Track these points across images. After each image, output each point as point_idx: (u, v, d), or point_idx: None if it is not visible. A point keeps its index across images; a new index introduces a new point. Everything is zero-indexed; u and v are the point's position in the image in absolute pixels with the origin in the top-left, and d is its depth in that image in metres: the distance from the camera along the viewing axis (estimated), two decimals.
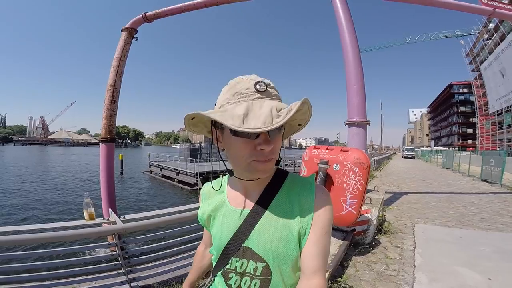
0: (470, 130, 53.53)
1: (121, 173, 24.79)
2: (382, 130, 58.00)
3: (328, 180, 3.32)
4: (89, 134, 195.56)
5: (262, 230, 0.71)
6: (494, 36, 30.66)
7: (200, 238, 2.90)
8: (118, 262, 2.43)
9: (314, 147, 3.81)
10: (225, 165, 0.80)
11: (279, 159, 0.75)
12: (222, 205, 0.81)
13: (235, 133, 0.63)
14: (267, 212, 0.72)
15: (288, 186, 0.76)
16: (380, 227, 4.64)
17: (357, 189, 3.14)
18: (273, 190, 0.75)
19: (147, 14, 8.54)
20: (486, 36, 32.93)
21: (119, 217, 2.43)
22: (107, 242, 2.45)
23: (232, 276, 0.75)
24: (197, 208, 2.71)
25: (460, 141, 56.83)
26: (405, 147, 55.23)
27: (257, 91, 0.64)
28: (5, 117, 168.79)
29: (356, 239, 3.95)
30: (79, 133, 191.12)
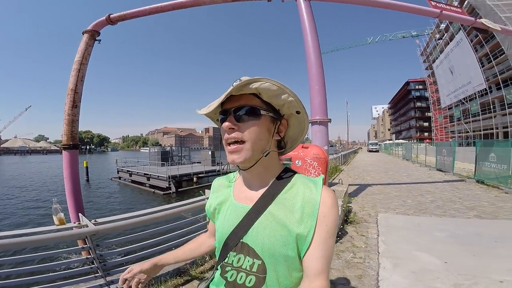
0: (426, 124, 57.74)
1: (87, 180, 23.51)
2: (348, 126, 60.72)
3: None
4: (48, 141, 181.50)
5: (261, 227, 0.71)
6: (444, 36, 33.30)
7: (175, 238, 2.97)
8: (94, 265, 2.40)
9: None
10: (220, 167, 0.89)
11: (270, 150, 0.74)
12: (227, 199, 0.83)
13: (218, 121, 0.75)
14: (267, 210, 0.72)
15: (294, 186, 0.75)
16: (346, 218, 4.95)
17: None
18: (277, 188, 0.75)
19: (111, 16, 8.22)
20: (438, 36, 35.73)
21: (90, 221, 2.39)
22: (80, 247, 2.41)
23: (229, 270, 0.75)
24: (170, 209, 2.76)
25: (418, 134, 60.84)
26: (370, 142, 58.31)
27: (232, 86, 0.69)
28: None
29: None
30: (37, 140, 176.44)
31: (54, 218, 2.37)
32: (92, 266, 2.41)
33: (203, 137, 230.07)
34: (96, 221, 2.45)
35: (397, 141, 49.78)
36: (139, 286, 0.88)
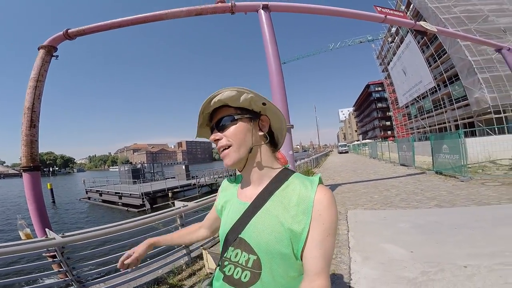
0: (388, 123, 60.37)
1: (53, 202, 22.16)
2: (318, 130, 62.75)
3: None
4: (4, 165, 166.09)
5: (257, 223, 0.75)
6: (395, 39, 35.32)
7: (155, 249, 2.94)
8: (67, 278, 2.34)
9: None
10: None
11: (253, 145, 0.80)
12: (232, 197, 0.89)
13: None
14: (264, 206, 0.76)
15: (290, 184, 0.77)
16: None
17: None
18: (274, 187, 0.78)
19: (68, 31, 7.87)
20: (390, 39, 37.99)
21: (57, 234, 2.33)
22: (50, 260, 2.33)
23: (227, 264, 0.79)
24: (141, 219, 2.77)
25: (382, 133, 63.47)
26: (339, 144, 60.51)
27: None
28: None
29: None
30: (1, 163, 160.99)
31: (21, 233, 2.31)
32: (66, 279, 2.35)
33: (176, 152, 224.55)
34: (63, 234, 2.40)
35: (364, 141, 51.93)
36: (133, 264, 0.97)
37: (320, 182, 0.76)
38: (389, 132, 59.98)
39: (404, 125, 39.74)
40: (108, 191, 20.51)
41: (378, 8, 9.93)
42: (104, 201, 20.63)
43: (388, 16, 9.82)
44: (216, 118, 0.81)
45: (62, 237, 2.33)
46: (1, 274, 2.27)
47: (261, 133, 0.82)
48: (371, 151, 25.37)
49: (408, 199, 6.49)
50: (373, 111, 68.93)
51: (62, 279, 2.38)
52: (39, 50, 7.69)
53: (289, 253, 0.70)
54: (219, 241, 0.88)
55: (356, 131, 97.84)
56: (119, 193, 19.15)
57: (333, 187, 9.19)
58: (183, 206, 3.45)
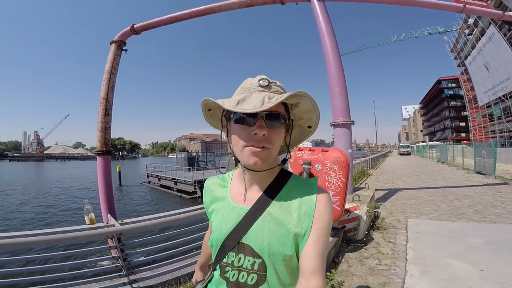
0: (462, 124, 53.94)
1: (120, 184, 24.75)
2: (376, 128, 58.50)
3: None
4: (85, 148, 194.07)
5: (260, 228, 0.73)
6: (474, 31, 31.13)
7: (196, 240, 3.03)
8: (119, 264, 2.52)
9: (298, 149, 3.98)
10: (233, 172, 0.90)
11: (287, 157, 0.83)
12: (224, 200, 0.84)
13: (236, 120, 0.72)
14: (267, 210, 0.75)
15: (291, 187, 0.78)
16: (372, 224, 4.74)
17: (338, 186, 3.31)
18: (275, 189, 0.77)
19: (134, 26, 8.63)
20: (467, 31, 33.49)
21: (117, 221, 2.52)
22: (107, 246, 2.54)
23: (229, 270, 0.77)
24: (192, 211, 2.83)
25: (454, 135, 57.22)
26: (401, 144, 55.73)
27: (260, 85, 0.71)
28: None
29: (348, 236, 4.06)
30: (75, 147, 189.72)
31: (86, 218, 2.55)
32: (117, 264, 2.52)
33: (228, 143, 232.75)
34: (122, 221, 2.58)
35: (430, 143, 47.04)
36: None
37: (317, 184, 0.78)
38: (462, 135, 53.77)
39: (484, 127, 34.64)
40: (165, 177, 22.10)
41: None
42: (161, 185, 22.31)
43: (468, 6, 8.56)
44: (270, 110, 0.70)
45: (120, 224, 2.53)
46: (62, 256, 2.53)
47: (283, 143, 0.79)
48: (439, 155, 22.87)
49: (484, 211, 5.78)
50: (444, 110, 62.22)
51: (114, 265, 2.57)
52: (111, 44, 8.59)
53: (293, 254, 0.71)
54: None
55: (421, 131, 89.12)
56: (175, 179, 20.52)
57: (391, 192, 8.45)
58: None
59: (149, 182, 24.75)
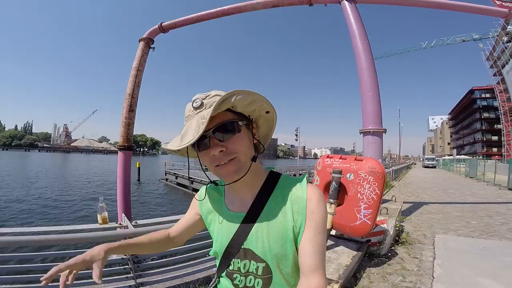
0: (495, 138, 51.06)
1: (138, 180, 25.39)
2: (400, 138, 56.24)
3: (341, 190, 3.25)
4: (108, 142, 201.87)
5: (259, 232, 0.74)
6: None
7: (208, 246, 2.94)
8: (127, 266, 2.47)
9: (327, 156, 3.77)
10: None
11: (255, 154, 0.77)
12: (220, 209, 0.84)
13: (197, 149, 0.72)
14: (262, 213, 0.75)
15: (282, 187, 0.78)
16: (397, 238, 4.46)
17: (372, 199, 3.07)
18: (267, 192, 0.78)
19: (162, 24, 8.84)
20: (505, 38, 31.64)
21: (131, 222, 2.48)
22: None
23: (237, 277, 0.77)
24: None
25: (485, 149, 54.03)
26: (426, 156, 53.25)
27: (194, 108, 0.70)
28: (31, 124, 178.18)
29: (371, 250, 3.83)
30: (100, 141, 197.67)
31: (99, 216, 2.52)
32: (125, 267, 2.48)
33: None
34: (136, 222, 2.55)
35: (458, 156, 44.66)
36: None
37: (307, 181, 0.77)
38: (494, 149, 50.65)
39: None
40: (183, 175, 22.41)
41: (497, 1, 8.09)
42: (178, 184, 22.66)
43: None
44: (212, 123, 0.68)
45: (134, 226, 2.50)
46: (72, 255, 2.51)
47: (255, 141, 0.78)
48: (468, 169, 21.60)
49: None
50: (475, 122, 59.08)
51: (122, 266, 2.52)
52: (139, 42, 8.81)
53: (293, 253, 0.72)
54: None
55: (449, 143, 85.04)
56: (191, 178, 20.72)
57: (416, 205, 8.01)
58: None
59: (167, 180, 25.20)
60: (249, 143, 0.75)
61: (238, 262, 0.77)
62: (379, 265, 3.56)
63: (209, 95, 0.71)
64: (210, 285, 0.88)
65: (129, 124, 8.13)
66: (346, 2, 6.63)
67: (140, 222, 2.59)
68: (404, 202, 7.80)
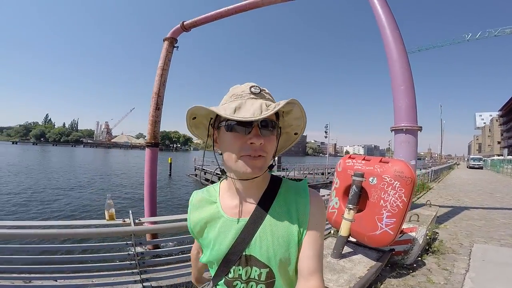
0: None
1: (170, 175, 26.54)
2: (442, 136, 52.22)
3: (362, 195, 2.99)
4: (145, 138, 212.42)
5: (263, 237, 0.72)
6: None
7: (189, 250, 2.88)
8: (133, 262, 2.50)
9: (349, 157, 3.50)
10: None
11: (273, 164, 0.78)
12: (217, 216, 0.80)
13: (228, 128, 0.68)
14: (266, 218, 0.74)
15: (284, 192, 0.77)
16: (428, 247, 4.05)
17: (397, 206, 2.76)
18: (270, 196, 0.76)
19: (184, 23, 8.98)
20: None
21: (134, 220, 2.49)
22: (124, 242, 2.54)
23: (237, 284, 0.76)
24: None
25: None
26: (471, 156, 48.89)
27: (252, 93, 0.69)
28: (77, 122, 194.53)
29: (395, 259, 3.48)
30: (137, 137, 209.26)
31: (106, 213, 2.57)
32: (131, 262, 2.51)
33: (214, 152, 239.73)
34: (139, 220, 2.55)
35: (509, 157, 40.42)
36: None
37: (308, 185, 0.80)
38: None
39: None
40: (211, 171, 22.85)
41: None
42: (206, 179, 23.17)
43: None
44: (266, 118, 0.68)
45: (136, 223, 2.49)
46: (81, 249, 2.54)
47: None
48: None
49: None
50: None
51: (128, 262, 2.56)
52: (163, 41, 9.03)
53: (296, 257, 0.72)
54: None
55: (499, 142, 77.29)
56: (218, 174, 21.07)
57: (456, 210, 7.30)
58: None
59: (196, 175, 25.96)
60: (274, 150, 0.74)
61: (240, 270, 0.75)
62: (401, 276, 3.23)
63: (264, 89, 0.73)
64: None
65: (155, 122, 8.39)
66: None
67: (143, 219, 2.60)
68: (441, 206, 7.18)
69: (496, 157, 45.27)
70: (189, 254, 2.83)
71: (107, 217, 2.54)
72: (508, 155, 44.94)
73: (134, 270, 2.49)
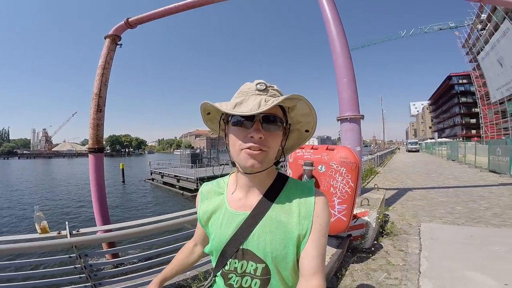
0: (473, 120, 52.86)
1: (123, 181, 24.86)
2: (384, 125, 57.39)
3: (314, 184, 2.99)
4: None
5: (261, 233, 0.74)
6: (488, 26, 30.54)
7: (168, 253, 2.67)
8: (83, 275, 2.28)
9: (299, 147, 3.49)
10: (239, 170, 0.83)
11: (281, 160, 0.83)
12: (221, 207, 0.82)
13: (233, 123, 0.72)
14: (266, 215, 0.75)
15: (288, 191, 0.78)
16: (382, 230, 4.28)
17: (346, 192, 2.82)
18: (274, 193, 0.78)
19: (129, 19, 8.36)
20: (480, 26, 32.79)
21: (71, 231, 2.21)
22: (67, 256, 2.27)
23: (232, 277, 0.77)
24: (161, 221, 2.48)
25: (464, 132, 55.86)
26: (409, 141, 54.55)
27: (257, 89, 0.72)
28: (8, 131, 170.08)
29: (354, 244, 3.61)
30: (83, 144, 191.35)
31: (37, 226, 2.22)
32: (81, 276, 2.29)
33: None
34: (78, 231, 2.28)
35: (440, 139, 45.95)
36: None
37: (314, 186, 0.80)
38: (473, 131, 52.68)
39: (496, 124, 33.65)
40: (168, 174, 22.02)
41: None
42: (164, 183, 22.19)
43: None
44: (266, 110, 0.68)
45: (74, 234, 2.22)
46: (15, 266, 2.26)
47: (280, 148, 0.80)
48: (449, 152, 22.10)
49: (504, 215, 5.33)
50: (454, 106, 60.94)
51: (78, 276, 2.31)
52: (105, 39, 8.28)
53: (294, 257, 0.72)
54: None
55: (430, 127, 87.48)
56: (177, 176, 20.40)
57: (401, 192, 7.95)
58: None
59: (153, 180, 24.71)
60: (278, 146, 0.76)
61: (235, 263, 0.76)
62: (363, 261, 3.35)
63: (273, 86, 0.75)
64: (206, 283, 0.88)
65: (98, 125, 7.65)
66: None
67: (82, 230, 2.30)
68: (388, 189, 7.75)
69: (429, 140, 51.18)
70: (151, 261, 2.65)
71: (39, 230, 2.19)
72: (438, 138, 51.14)
73: (86, 284, 2.25)
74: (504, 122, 31.02)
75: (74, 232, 2.22)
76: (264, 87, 0.72)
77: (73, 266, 2.30)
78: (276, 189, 0.78)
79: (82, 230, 2.27)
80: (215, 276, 0.83)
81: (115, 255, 4.44)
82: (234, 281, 0.77)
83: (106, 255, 5.44)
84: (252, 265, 0.74)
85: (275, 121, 0.71)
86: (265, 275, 0.73)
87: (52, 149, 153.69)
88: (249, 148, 0.69)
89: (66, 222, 2.29)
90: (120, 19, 8.46)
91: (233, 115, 0.71)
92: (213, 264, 0.83)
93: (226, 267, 0.78)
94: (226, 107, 0.69)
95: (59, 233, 2.19)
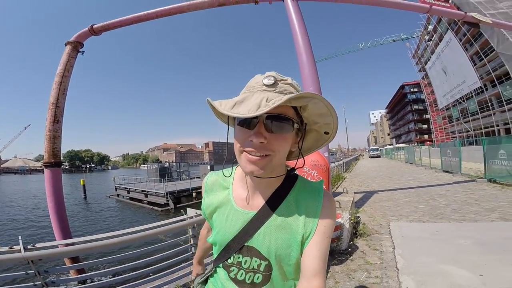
0: (425, 126, 57.51)
1: (84, 198, 23.45)
2: (347, 133, 60.13)
3: None
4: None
5: (267, 233, 0.73)
6: (433, 37, 33.52)
7: (153, 263, 2.54)
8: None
9: None
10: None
11: (294, 168, 0.78)
12: (227, 203, 0.81)
13: (238, 121, 0.67)
14: (274, 215, 0.73)
15: (296, 191, 0.76)
16: (355, 231, 4.41)
17: None
18: (282, 194, 0.75)
19: (94, 26, 7.93)
20: (427, 37, 35.97)
21: (24, 246, 2.00)
22: (24, 272, 2.06)
23: (234, 270, 0.77)
24: (143, 230, 2.33)
25: (418, 137, 60.33)
26: (371, 148, 57.90)
27: (264, 85, 0.65)
28: None
29: (331, 247, 3.65)
30: (37, 160, 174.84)
31: None
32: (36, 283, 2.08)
33: (203, 152, 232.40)
34: (34, 245, 2.07)
35: (398, 145, 49.31)
36: None
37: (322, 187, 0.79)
38: (425, 136, 57.30)
39: (444, 128, 37.05)
40: (135, 189, 20.95)
41: None
42: (131, 198, 21.12)
43: (433, 7, 8.99)
44: (272, 109, 0.59)
45: (30, 249, 2.01)
46: None
47: (294, 149, 0.76)
48: (407, 156, 23.85)
49: (462, 210, 5.71)
50: (408, 114, 65.94)
51: (32, 283, 2.09)
52: (65, 45, 7.75)
53: (298, 256, 0.72)
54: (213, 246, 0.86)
55: (388, 134, 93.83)
56: (145, 191, 19.51)
57: (368, 195, 8.32)
58: (195, 216, 2.87)
59: (118, 195, 23.38)
60: (288, 149, 0.71)
61: (239, 257, 0.76)
62: (342, 262, 3.41)
63: (285, 80, 0.67)
64: (205, 273, 0.89)
65: (54, 137, 7.01)
66: (288, 0, 6.60)
67: (39, 245, 2.10)
68: (356, 193, 8.06)
69: (388, 146, 54.70)
70: (125, 275, 2.47)
71: None
72: (396, 144, 54.86)
73: None
74: (451, 126, 34.19)
75: (29, 246, 2.02)
76: (273, 81, 0.64)
77: (32, 283, 2.10)
78: (284, 190, 0.76)
79: (39, 245, 2.08)
80: (217, 267, 0.83)
81: (80, 271, 4.03)
82: (236, 274, 0.77)
83: (71, 271, 4.94)
84: (255, 261, 0.74)
85: (283, 122, 0.65)
86: (267, 271, 0.74)
87: (2, 166, 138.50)
88: (248, 152, 0.65)
89: (19, 236, 2.06)
90: (84, 26, 7.98)
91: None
92: (215, 255, 0.83)
93: (229, 260, 0.78)
94: (224, 106, 0.62)
95: (11, 248, 1.98)
